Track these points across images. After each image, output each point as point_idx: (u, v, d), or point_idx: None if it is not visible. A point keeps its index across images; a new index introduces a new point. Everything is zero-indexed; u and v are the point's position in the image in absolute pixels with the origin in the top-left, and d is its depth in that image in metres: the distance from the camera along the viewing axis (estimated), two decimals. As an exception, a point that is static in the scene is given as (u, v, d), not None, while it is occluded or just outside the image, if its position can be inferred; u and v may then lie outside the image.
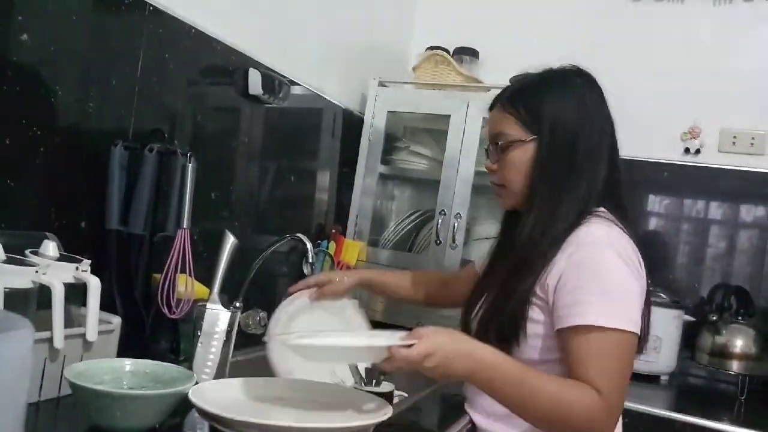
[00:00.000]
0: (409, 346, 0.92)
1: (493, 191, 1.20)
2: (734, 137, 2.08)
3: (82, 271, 1.03)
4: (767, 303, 1.97)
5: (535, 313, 1.06)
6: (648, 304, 1.10)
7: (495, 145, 1.17)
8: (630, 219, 1.14)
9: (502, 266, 1.16)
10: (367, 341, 0.91)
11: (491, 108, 1.20)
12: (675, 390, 1.85)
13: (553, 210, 1.09)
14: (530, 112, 1.12)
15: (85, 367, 0.95)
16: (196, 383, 0.98)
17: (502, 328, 1.07)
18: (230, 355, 1.19)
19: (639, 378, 1.81)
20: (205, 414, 0.88)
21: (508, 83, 2.01)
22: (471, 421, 1.17)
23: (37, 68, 1.10)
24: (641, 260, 1.08)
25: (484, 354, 0.99)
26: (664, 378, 1.86)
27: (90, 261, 1.05)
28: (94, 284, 1.02)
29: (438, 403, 1.24)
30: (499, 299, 1.11)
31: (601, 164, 1.12)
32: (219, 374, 1.16)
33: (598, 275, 1.02)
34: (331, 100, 2.02)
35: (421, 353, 0.93)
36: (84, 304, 1.03)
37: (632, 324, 1.01)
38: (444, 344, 0.95)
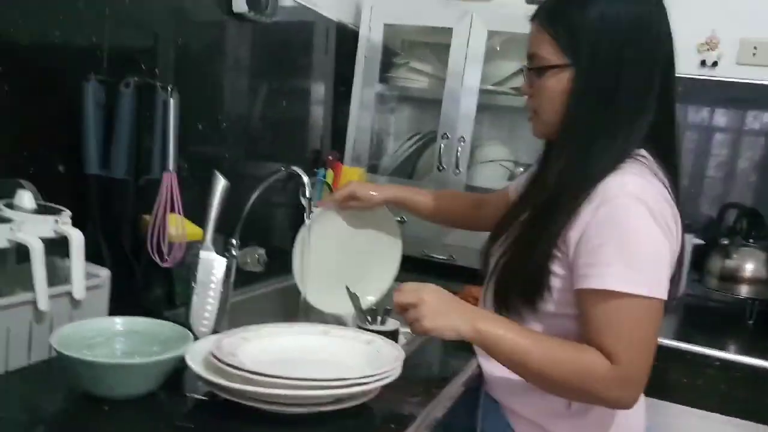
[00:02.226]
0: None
1: (529, 116, 1.08)
2: (755, 48, 1.95)
3: (63, 224, 0.94)
4: (778, 223, 1.91)
5: (554, 266, 0.98)
6: (680, 264, 1.02)
7: (532, 68, 1.03)
8: (675, 166, 1.02)
9: (531, 203, 1.06)
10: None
11: (531, 19, 1.04)
12: (683, 314, 1.83)
13: (587, 150, 0.97)
14: (569, 33, 0.97)
15: (73, 329, 0.88)
16: (195, 338, 0.93)
17: (525, 286, 1.00)
18: (228, 303, 1.13)
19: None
20: (206, 381, 0.83)
21: (515, -9, 1.88)
22: (479, 366, 1.13)
23: (-9, -6, 0.96)
24: (678, 218, 0.98)
25: (477, 308, 0.98)
26: (672, 303, 1.83)
27: (71, 213, 0.96)
28: (77, 238, 0.94)
29: (445, 345, 1.20)
30: (521, 246, 1.03)
31: (649, 99, 0.97)
32: (218, 323, 1.11)
33: (624, 234, 0.92)
34: (323, 14, 1.86)
35: (417, 286, 0.98)
36: (69, 255, 0.95)
37: (657, 290, 0.92)
38: (437, 288, 0.99)
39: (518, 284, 1.01)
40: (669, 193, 0.98)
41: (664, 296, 0.93)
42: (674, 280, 1.00)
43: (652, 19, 0.97)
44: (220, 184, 1.09)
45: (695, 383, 1.50)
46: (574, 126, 0.99)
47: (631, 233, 0.92)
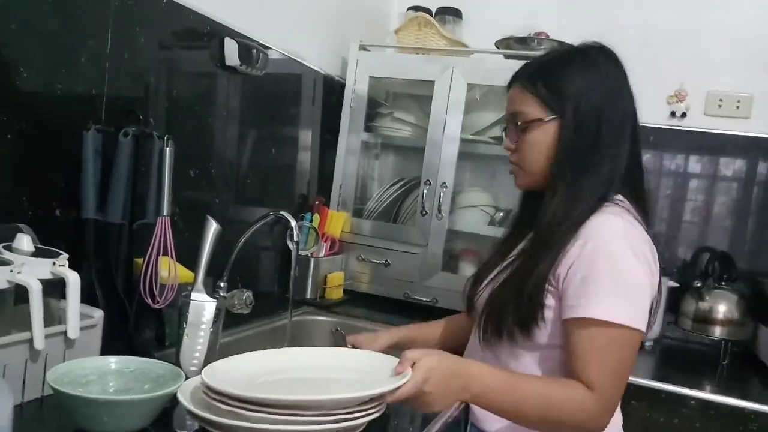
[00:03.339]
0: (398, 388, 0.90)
1: (511, 169, 1.17)
2: (720, 100, 2.06)
3: (60, 266, 0.98)
4: (748, 265, 1.99)
5: (546, 299, 1.05)
6: (657, 304, 1.08)
7: (514, 125, 1.12)
8: (648, 208, 1.11)
9: (518, 245, 1.15)
10: (363, 393, 0.88)
11: (509, 86, 1.15)
12: (659, 356, 1.88)
13: (575, 194, 1.06)
14: (552, 91, 1.08)
15: (67, 368, 0.92)
16: (186, 377, 0.96)
17: (520, 311, 1.06)
18: (218, 344, 1.16)
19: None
20: (194, 416, 0.86)
21: (494, 47, 1.98)
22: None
23: (-1, 49, 1.02)
24: (656, 255, 1.05)
25: (471, 367, 0.99)
26: (648, 344, 1.88)
27: (68, 255, 1.00)
28: (73, 280, 0.98)
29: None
30: (514, 284, 1.09)
31: (623, 147, 1.08)
32: (207, 363, 1.13)
33: (610, 268, 0.99)
34: (311, 66, 1.95)
35: (417, 383, 0.91)
36: (65, 296, 0.99)
37: (638, 321, 0.98)
38: (435, 366, 0.94)
39: (514, 316, 1.06)
40: (647, 233, 1.05)
41: (644, 328, 0.99)
42: (653, 310, 1.07)
43: (621, 83, 1.10)
44: (212, 228, 1.14)
45: (672, 422, 1.54)
46: (563, 173, 1.07)
47: (615, 267, 0.99)
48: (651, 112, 2.09)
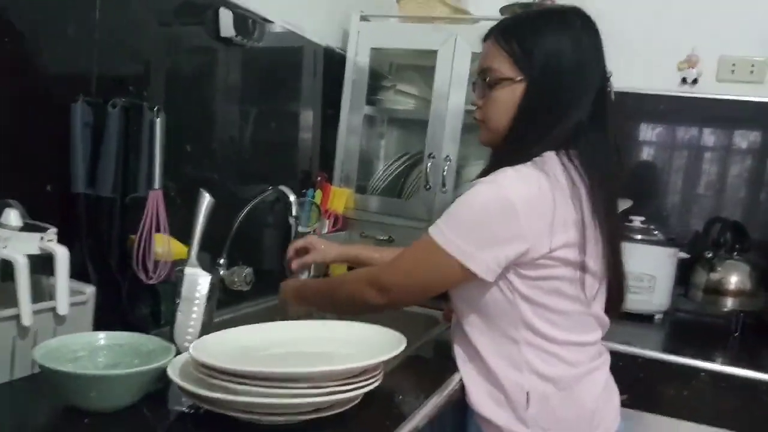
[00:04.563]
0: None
1: (477, 124, 1.17)
2: (733, 65, 2.00)
3: (48, 240, 0.96)
4: (762, 236, 1.94)
5: None
6: (606, 245, 1.07)
7: (483, 80, 1.11)
8: (591, 160, 1.07)
9: None
10: (356, 364, 0.88)
11: (484, 39, 1.13)
12: (669, 329, 1.84)
13: (513, 152, 1.06)
14: (524, 51, 1.06)
15: (56, 344, 0.90)
16: (177, 353, 0.94)
17: None
18: (212, 320, 1.14)
19: (633, 317, 1.79)
20: (186, 392, 0.84)
21: (498, 14, 1.92)
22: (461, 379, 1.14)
23: (-20, 18, 0.99)
24: (559, 215, 1.01)
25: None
26: (658, 317, 1.84)
27: (56, 229, 0.98)
28: (62, 255, 0.96)
29: (429, 356, 1.21)
30: None
31: (579, 111, 1.06)
32: (202, 338, 1.12)
33: (458, 200, 1.04)
34: (311, 39, 1.90)
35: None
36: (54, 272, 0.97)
37: (446, 240, 1.01)
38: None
39: None
40: (555, 182, 1.01)
41: (451, 250, 1.01)
42: (612, 280, 1.10)
43: (592, 50, 1.08)
44: (206, 200, 1.11)
45: (682, 395, 1.51)
46: (516, 131, 1.08)
47: (463, 199, 1.03)
48: (661, 79, 2.04)
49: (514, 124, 1.08)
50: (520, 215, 0.99)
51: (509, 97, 1.07)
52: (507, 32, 1.09)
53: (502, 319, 1.07)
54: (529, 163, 1.04)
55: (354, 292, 1.13)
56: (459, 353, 1.14)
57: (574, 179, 1.04)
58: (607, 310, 1.14)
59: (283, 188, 1.43)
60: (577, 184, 1.04)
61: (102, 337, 0.95)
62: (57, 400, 0.86)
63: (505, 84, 1.07)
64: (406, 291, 1.11)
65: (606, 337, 1.19)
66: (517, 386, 1.06)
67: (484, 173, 1.08)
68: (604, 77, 1.09)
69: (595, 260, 1.06)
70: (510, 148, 1.08)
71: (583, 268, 1.04)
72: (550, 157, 1.05)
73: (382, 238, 1.94)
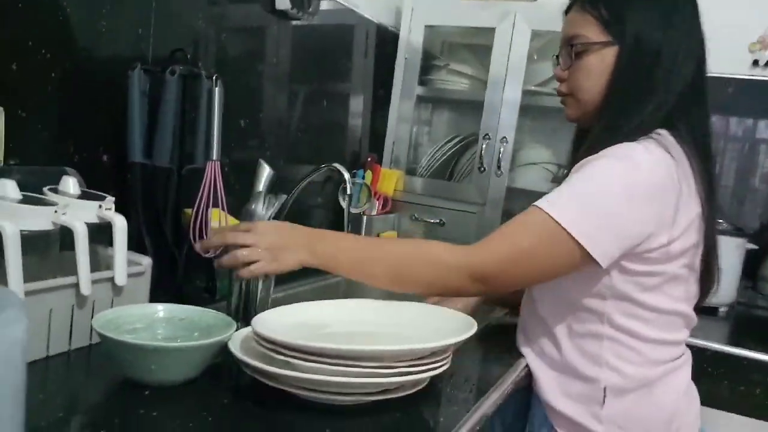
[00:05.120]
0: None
1: (561, 101, 1.09)
2: (810, 47, 1.88)
3: (106, 209, 0.94)
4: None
5: None
6: (710, 237, 0.99)
7: (569, 48, 1.03)
8: (703, 146, 1.00)
9: None
10: (427, 345, 0.81)
11: (568, 10, 1.06)
12: (734, 322, 1.74)
13: (613, 128, 0.97)
14: (613, 15, 0.99)
15: (114, 314, 0.87)
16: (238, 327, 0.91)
17: None
18: (271, 292, 1.11)
19: (696, 310, 1.70)
20: (246, 365, 0.80)
21: (558, -9, 1.84)
22: (527, 366, 1.08)
23: (41, -19, 0.97)
24: (691, 197, 0.94)
25: (317, 233, 0.96)
26: (722, 309, 1.75)
27: (114, 198, 0.95)
28: (120, 224, 0.93)
29: (492, 344, 1.15)
30: None
31: (681, 82, 0.98)
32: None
33: (582, 175, 0.93)
34: (364, 15, 1.85)
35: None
36: (111, 243, 0.94)
37: (571, 221, 0.89)
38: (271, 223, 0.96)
39: None
40: (679, 168, 0.94)
41: (577, 234, 0.89)
42: (705, 273, 1.01)
43: (689, 10, 1.01)
44: (266, 171, 1.07)
45: (752, 392, 1.43)
46: (611, 102, 1.00)
47: (589, 177, 0.92)
48: (731, 61, 1.93)
49: (609, 94, 1.00)
50: (654, 200, 0.91)
51: (600, 64, 1.00)
52: None
53: (588, 313, 0.99)
54: (651, 140, 0.95)
55: (438, 278, 0.94)
56: (530, 342, 1.08)
57: (692, 164, 0.96)
58: (695, 308, 1.07)
59: (337, 166, 1.38)
60: (695, 169, 0.96)
61: (161, 309, 0.92)
62: (116, 372, 0.84)
63: (595, 49, 1.00)
64: (511, 280, 0.95)
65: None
66: (595, 381, 1.00)
67: (587, 147, 0.98)
68: (702, 45, 1.01)
69: (696, 257, 0.99)
70: (613, 123, 0.98)
71: (694, 264, 0.97)
72: (669, 139, 0.96)
73: (433, 221, 1.89)
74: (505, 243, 0.93)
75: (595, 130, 1.01)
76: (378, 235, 1.85)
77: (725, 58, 1.93)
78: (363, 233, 1.82)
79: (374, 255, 0.95)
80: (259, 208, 1.02)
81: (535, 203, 0.93)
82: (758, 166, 1.95)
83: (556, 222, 0.89)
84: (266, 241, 0.92)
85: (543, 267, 0.93)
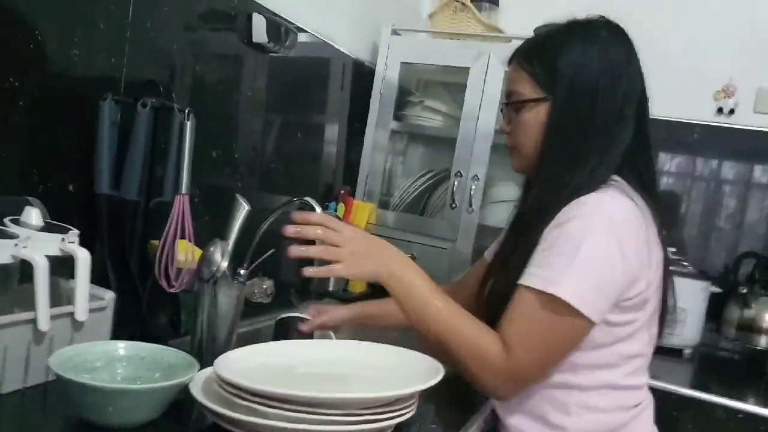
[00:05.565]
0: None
1: (508, 153, 1.10)
2: (772, 97, 1.95)
3: (69, 242, 0.92)
4: (795, 274, 1.87)
5: None
6: (667, 279, 1.01)
7: (509, 105, 1.06)
8: (653, 190, 1.02)
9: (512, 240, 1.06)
10: (393, 392, 0.79)
11: (509, 63, 1.08)
12: (699, 364, 1.77)
13: (560, 178, 0.97)
14: (545, 69, 1.00)
15: (73, 352, 0.84)
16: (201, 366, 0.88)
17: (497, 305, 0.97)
18: (236, 332, 1.08)
19: (662, 351, 1.71)
20: (208, 410, 0.78)
21: (531, 33, 1.88)
22: (492, 410, 1.08)
23: (13, 9, 0.96)
24: (654, 241, 0.96)
25: (404, 256, 0.96)
26: (687, 351, 1.77)
27: (78, 231, 0.93)
28: (83, 258, 0.91)
29: (459, 388, 1.15)
30: (502, 277, 1.02)
31: (624, 129, 0.99)
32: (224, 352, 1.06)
33: (564, 239, 0.90)
34: (341, 50, 1.87)
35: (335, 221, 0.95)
36: (74, 276, 0.92)
37: (578, 299, 0.88)
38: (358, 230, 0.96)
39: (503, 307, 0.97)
40: (647, 213, 0.96)
41: (586, 310, 0.89)
42: (662, 314, 1.02)
43: (623, 61, 1.00)
44: (242, 209, 1.06)
45: (715, 436, 1.44)
46: (552, 157, 1.00)
47: (571, 239, 0.90)
48: (697, 108, 1.99)
49: (544, 147, 1.01)
50: (631, 252, 0.92)
51: (536, 119, 1.01)
52: (528, 53, 1.04)
53: (565, 365, 0.97)
54: (612, 188, 0.95)
55: (475, 369, 0.93)
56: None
57: (650, 208, 0.98)
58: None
59: (309, 199, 1.37)
60: (652, 213, 0.98)
61: (122, 347, 0.89)
62: (71, 412, 0.81)
63: (529, 106, 1.01)
64: (539, 372, 0.94)
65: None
66: (563, 429, 0.99)
67: (533, 200, 0.99)
68: (642, 89, 1.02)
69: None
70: (557, 178, 0.97)
71: (665, 307, 0.98)
72: (624, 185, 0.97)
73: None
74: (537, 345, 0.92)
75: (538, 185, 1.01)
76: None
77: (691, 104, 2.00)
78: (333, 266, 1.80)
79: (435, 315, 0.94)
80: (217, 254, 1.00)
81: (526, 283, 0.91)
82: (721, 211, 2.00)
83: (568, 304, 0.88)
84: (353, 245, 0.93)
85: (566, 348, 0.93)
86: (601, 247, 0.90)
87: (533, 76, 1.01)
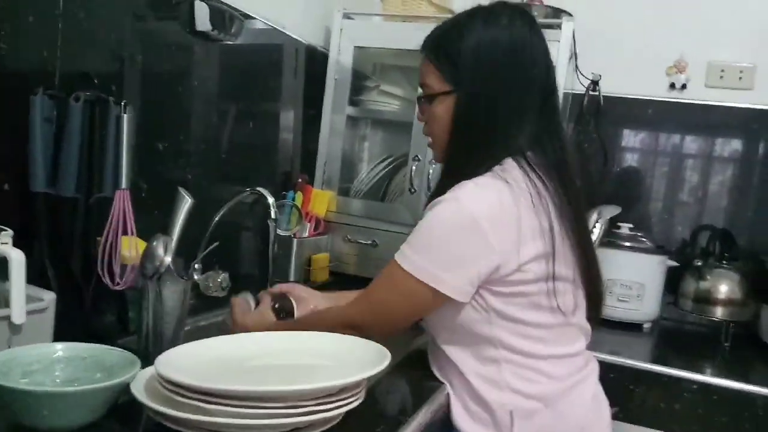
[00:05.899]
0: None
1: (428, 142, 1.12)
2: (722, 71, 1.97)
3: (2, 243, 0.89)
4: (751, 245, 1.91)
5: None
6: (578, 249, 1.02)
7: (423, 98, 1.07)
8: (561, 167, 1.03)
9: None
10: (336, 382, 0.78)
11: (420, 51, 1.08)
12: (658, 338, 1.80)
13: (461, 167, 1.00)
14: (450, 61, 1.02)
15: (8, 356, 0.82)
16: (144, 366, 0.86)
17: None
18: (183, 329, 1.07)
19: (622, 326, 1.75)
20: (152, 411, 0.77)
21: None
22: (448, 394, 1.08)
23: (-69, 2, 0.92)
24: (532, 224, 0.96)
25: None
26: (646, 326, 1.80)
27: (12, 232, 0.90)
28: (17, 259, 0.88)
29: (412, 374, 1.15)
30: None
31: (528, 112, 1.01)
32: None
33: (424, 223, 0.98)
34: (292, 35, 1.83)
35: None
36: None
37: (415, 267, 0.96)
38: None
39: None
40: (516, 190, 0.96)
41: (420, 276, 0.96)
42: (589, 284, 1.05)
43: (525, 43, 1.01)
44: (185, 202, 1.04)
45: (673, 407, 1.46)
46: (456, 145, 1.03)
47: (427, 222, 0.98)
48: (649, 84, 2.00)
49: (452, 138, 1.03)
50: (486, 231, 0.94)
51: (444, 111, 1.03)
52: (433, 44, 1.05)
53: (480, 339, 1.01)
54: (488, 173, 0.98)
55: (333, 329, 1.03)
56: (441, 372, 1.09)
57: (538, 186, 0.98)
58: (588, 318, 1.09)
59: (261, 190, 1.35)
60: (541, 191, 0.98)
61: (60, 348, 0.87)
62: (7, 419, 0.78)
63: (439, 99, 1.03)
64: (379, 326, 1.03)
65: (594, 347, 1.16)
66: (501, 405, 1.00)
67: (439, 190, 1.02)
68: (549, 72, 1.04)
69: (567, 268, 1.01)
70: (460, 161, 1.01)
71: (553, 278, 0.98)
72: (510, 165, 0.99)
73: (365, 242, 1.88)
74: (369, 294, 1.04)
75: (441, 175, 1.07)
76: (309, 258, 1.83)
77: (644, 81, 2.02)
78: (293, 256, 1.79)
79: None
80: (160, 249, 0.98)
81: (395, 255, 1.00)
82: (675, 185, 2.03)
83: (403, 269, 0.97)
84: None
85: (404, 310, 1.02)
86: (444, 227, 0.96)
87: (439, 69, 1.03)
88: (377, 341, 0.94)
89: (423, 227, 0.98)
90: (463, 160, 1.01)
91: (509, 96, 1.00)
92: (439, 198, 0.98)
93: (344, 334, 0.98)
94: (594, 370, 1.12)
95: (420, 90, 1.10)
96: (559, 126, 1.06)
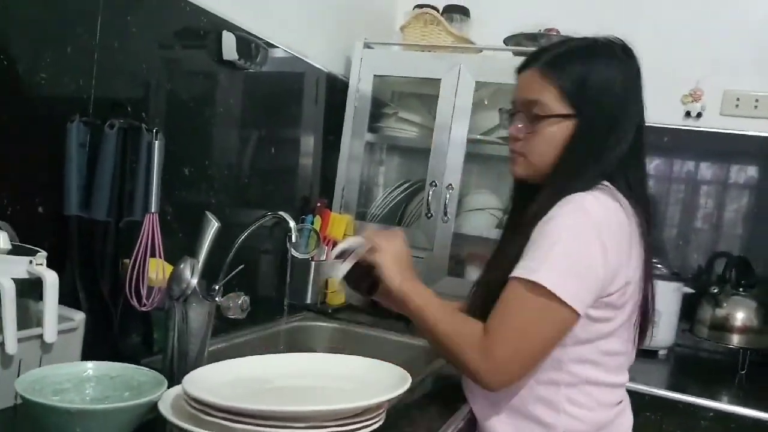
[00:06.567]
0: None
1: (510, 157, 1.10)
2: (737, 99, 1.99)
3: (37, 264, 0.92)
4: (765, 272, 1.90)
5: None
6: (648, 279, 1.04)
7: (528, 112, 1.04)
8: (641, 196, 1.04)
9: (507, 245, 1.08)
10: (360, 403, 0.80)
11: (523, 68, 1.06)
12: (673, 365, 1.80)
13: (568, 187, 0.99)
14: (575, 84, 1.00)
15: (41, 374, 0.85)
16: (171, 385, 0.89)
17: (489, 304, 0.99)
18: (206, 349, 1.09)
19: (637, 353, 1.74)
20: (176, 427, 0.79)
21: (502, 44, 1.92)
22: (470, 411, 1.09)
23: (-23, 35, 0.97)
24: (635, 242, 0.99)
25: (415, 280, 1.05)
26: (662, 353, 1.80)
27: (46, 253, 0.94)
28: (51, 280, 0.91)
29: (434, 391, 1.16)
30: (492, 275, 1.05)
31: (625, 141, 1.02)
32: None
33: (545, 234, 0.95)
34: (314, 64, 1.88)
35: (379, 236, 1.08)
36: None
37: (555, 284, 0.91)
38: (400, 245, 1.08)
39: (484, 304, 1.01)
40: (632, 213, 1.00)
41: (567, 297, 0.92)
42: (644, 315, 1.05)
43: (636, 81, 1.04)
44: (212, 226, 1.07)
45: (689, 436, 1.46)
46: (565, 167, 1.02)
47: (555, 231, 0.94)
48: (665, 112, 2.02)
49: (560, 161, 1.02)
50: (610, 238, 0.95)
51: (558, 133, 1.01)
52: (555, 63, 1.03)
53: (550, 361, 1.00)
54: (597, 190, 0.98)
55: (457, 352, 0.98)
56: (480, 390, 1.06)
57: (636, 212, 1.01)
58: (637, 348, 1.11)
59: (283, 214, 1.39)
60: (638, 215, 1.01)
61: (90, 367, 0.90)
62: (40, 436, 0.81)
63: (555, 120, 1.01)
64: (521, 359, 0.95)
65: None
66: (552, 428, 1.01)
67: (539, 212, 0.99)
68: (643, 109, 1.06)
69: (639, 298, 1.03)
70: (562, 185, 1.00)
71: (640, 306, 1.01)
72: (610, 186, 1.01)
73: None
74: (508, 322, 0.95)
75: (545, 192, 1.02)
76: (326, 281, 1.85)
77: (660, 109, 2.03)
78: (311, 279, 1.82)
79: (425, 326, 1.03)
80: (187, 271, 1.01)
81: (518, 275, 0.95)
82: (690, 212, 2.03)
83: (548, 290, 0.91)
84: (389, 250, 1.06)
85: (549, 337, 0.96)
86: (580, 241, 0.94)
87: (561, 89, 1.01)
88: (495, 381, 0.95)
89: (556, 243, 0.93)
90: (569, 180, 1.00)
91: (621, 127, 1.01)
92: (557, 211, 0.96)
93: (472, 360, 0.95)
94: (629, 402, 1.13)
95: (514, 104, 1.08)
96: (643, 155, 1.07)
